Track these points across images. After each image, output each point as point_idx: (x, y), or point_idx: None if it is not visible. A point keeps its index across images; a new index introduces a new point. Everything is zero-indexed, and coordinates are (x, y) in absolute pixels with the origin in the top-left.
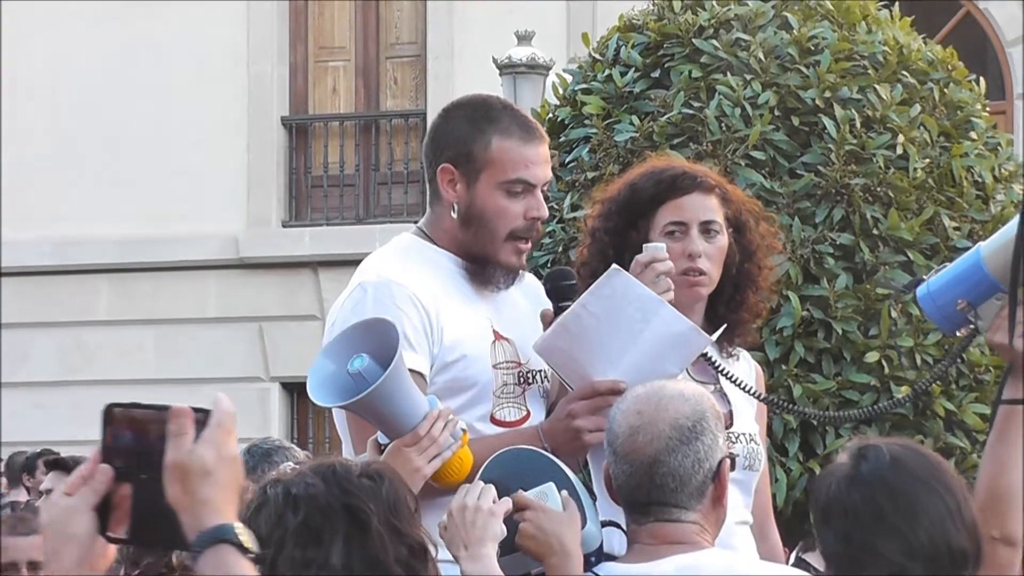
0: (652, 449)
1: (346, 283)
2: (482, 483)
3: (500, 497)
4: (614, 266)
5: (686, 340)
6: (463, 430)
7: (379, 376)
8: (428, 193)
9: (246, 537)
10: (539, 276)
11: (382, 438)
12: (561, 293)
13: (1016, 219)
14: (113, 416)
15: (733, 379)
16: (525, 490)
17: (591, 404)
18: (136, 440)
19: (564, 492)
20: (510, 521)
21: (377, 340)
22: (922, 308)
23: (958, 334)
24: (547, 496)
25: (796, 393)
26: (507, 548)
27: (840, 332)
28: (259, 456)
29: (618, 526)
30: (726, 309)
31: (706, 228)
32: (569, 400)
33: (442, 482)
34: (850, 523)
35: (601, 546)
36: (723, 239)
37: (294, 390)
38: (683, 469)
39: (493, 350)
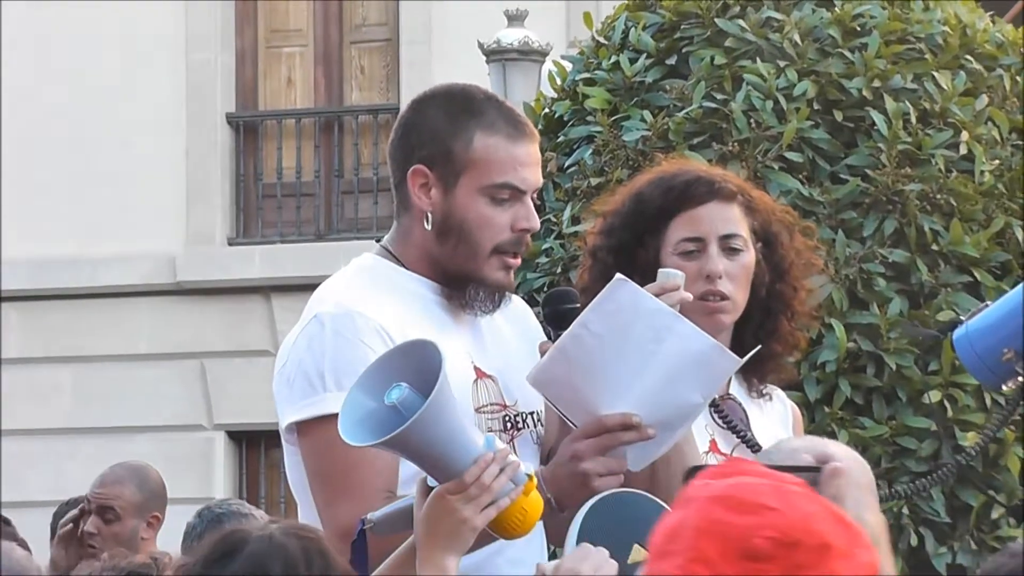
0: None
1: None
2: (602, 551)
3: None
4: (618, 276)
5: (709, 361)
6: (528, 475)
7: (418, 408)
8: (395, 202)
9: None
10: (534, 303)
11: (430, 479)
12: (562, 318)
13: None
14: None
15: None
16: (638, 544)
17: (599, 443)
18: None
19: None
20: None
21: (418, 366)
22: (959, 356)
23: (1004, 389)
24: None
25: (841, 440)
26: None
27: (893, 367)
28: (209, 521)
29: None
30: (755, 340)
31: (727, 243)
32: (573, 439)
33: (503, 534)
34: None
35: None
36: (748, 256)
37: (242, 440)
38: None
39: (475, 390)
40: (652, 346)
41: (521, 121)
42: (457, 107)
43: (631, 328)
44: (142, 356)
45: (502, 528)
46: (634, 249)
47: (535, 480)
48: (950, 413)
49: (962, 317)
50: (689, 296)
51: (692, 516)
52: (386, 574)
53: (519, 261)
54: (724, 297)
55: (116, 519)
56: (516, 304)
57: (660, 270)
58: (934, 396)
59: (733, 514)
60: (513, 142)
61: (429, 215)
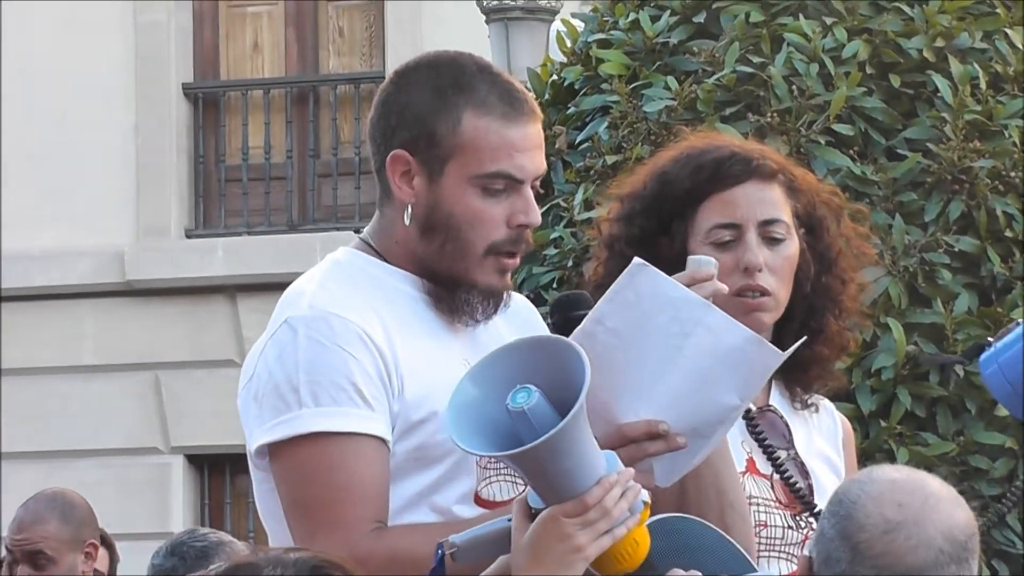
0: (916, 559)
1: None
2: (694, 574)
3: None
4: (637, 260)
5: (746, 356)
6: (645, 502)
7: (550, 420)
8: (378, 190)
9: None
10: (540, 303)
11: (533, 499)
12: (574, 328)
13: None
14: None
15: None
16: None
17: (622, 456)
18: None
19: None
20: None
21: (547, 365)
22: (988, 386)
23: None
24: None
25: (900, 460)
26: None
27: (961, 374)
28: (194, 558)
29: None
30: (798, 340)
31: (768, 231)
32: None
33: (605, 569)
34: None
35: None
36: (792, 245)
37: (204, 465)
38: None
39: None
40: (678, 341)
41: (519, 97)
42: (444, 81)
43: (653, 321)
44: (86, 368)
45: (608, 561)
46: (658, 239)
47: (649, 509)
48: None
49: (989, 340)
50: (724, 288)
51: None
52: None
53: (517, 262)
54: (765, 293)
55: (50, 562)
56: (517, 302)
57: (690, 257)
58: None
59: None
60: (508, 123)
61: (410, 207)
